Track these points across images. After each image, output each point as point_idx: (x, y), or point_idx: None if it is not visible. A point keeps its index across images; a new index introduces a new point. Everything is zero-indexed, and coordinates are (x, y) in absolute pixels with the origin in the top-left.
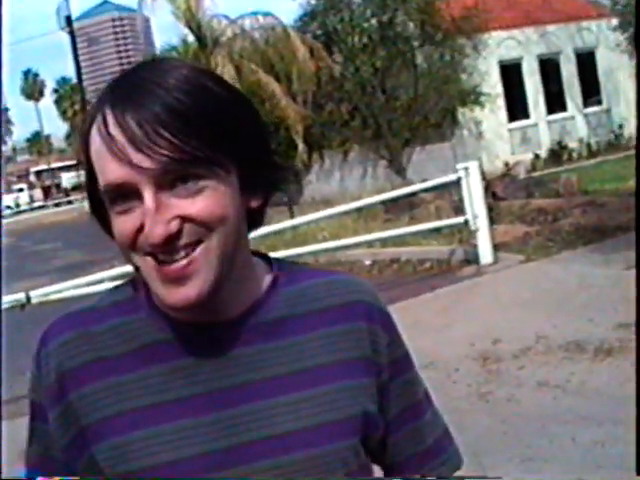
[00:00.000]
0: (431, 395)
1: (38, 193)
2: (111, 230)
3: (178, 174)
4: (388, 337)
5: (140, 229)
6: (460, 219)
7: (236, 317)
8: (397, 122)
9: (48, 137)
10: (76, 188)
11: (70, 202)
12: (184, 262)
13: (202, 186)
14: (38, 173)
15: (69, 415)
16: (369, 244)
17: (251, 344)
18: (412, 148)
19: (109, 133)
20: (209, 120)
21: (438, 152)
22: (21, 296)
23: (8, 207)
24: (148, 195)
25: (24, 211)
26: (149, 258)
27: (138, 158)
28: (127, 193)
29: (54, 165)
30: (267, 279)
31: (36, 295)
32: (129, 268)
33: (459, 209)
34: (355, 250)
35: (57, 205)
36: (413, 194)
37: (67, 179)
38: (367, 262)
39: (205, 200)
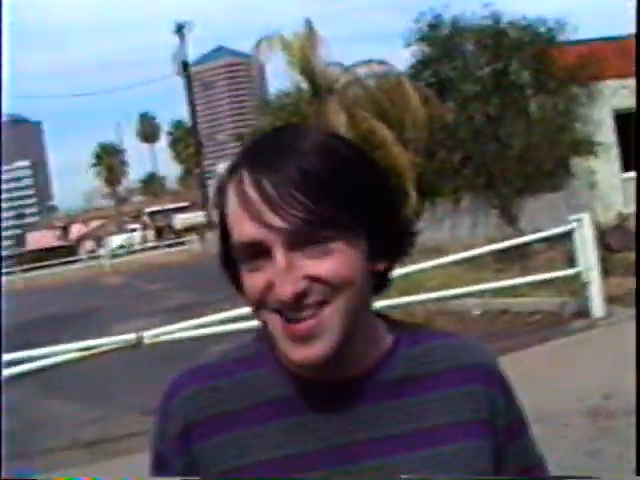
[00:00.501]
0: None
1: (151, 234)
2: (239, 285)
3: (309, 235)
4: (505, 401)
5: (269, 286)
6: (572, 271)
7: (358, 375)
8: (509, 171)
9: (162, 179)
10: (188, 229)
11: (182, 243)
12: (312, 322)
13: (331, 248)
14: (151, 214)
15: (193, 467)
16: (479, 294)
17: (372, 402)
18: (524, 198)
19: (245, 193)
20: (341, 184)
21: (551, 202)
22: (132, 336)
23: (122, 246)
24: (279, 254)
25: (136, 251)
26: (276, 315)
27: (272, 218)
28: (259, 252)
29: (167, 206)
30: (388, 339)
31: (148, 336)
32: (239, 311)
33: (571, 260)
34: (465, 300)
35: (169, 246)
36: (525, 244)
37: (179, 220)
38: (477, 312)
39: (333, 262)
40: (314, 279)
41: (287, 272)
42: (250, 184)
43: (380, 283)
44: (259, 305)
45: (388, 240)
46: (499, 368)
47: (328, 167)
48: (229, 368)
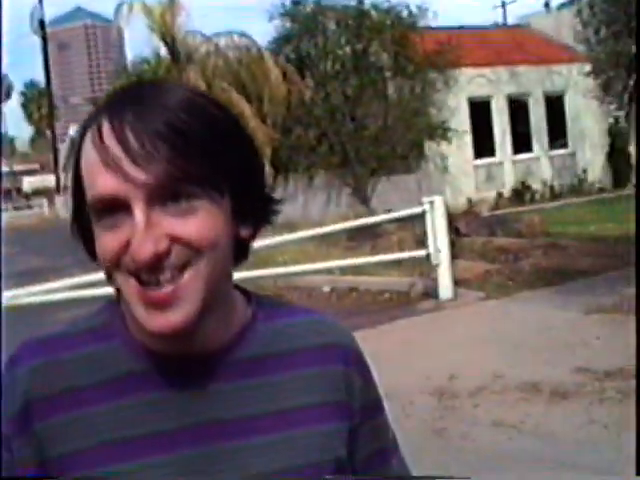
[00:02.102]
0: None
1: None
2: (92, 250)
3: (172, 190)
4: (362, 381)
5: (126, 246)
6: (422, 252)
7: (213, 352)
8: (364, 151)
9: (12, 139)
10: (37, 193)
11: (30, 207)
12: (170, 287)
13: (195, 206)
14: None
15: (34, 446)
16: (329, 271)
17: (227, 381)
18: (377, 178)
19: (104, 144)
20: (208, 141)
21: (403, 183)
22: None
23: None
24: (138, 210)
25: None
26: (132, 279)
27: (132, 170)
28: (116, 208)
29: (16, 168)
30: (246, 313)
31: None
32: (89, 277)
33: (421, 242)
34: (315, 276)
35: (17, 209)
36: (377, 224)
37: (29, 183)
38: (326, 289)
39: (197, 221)
40: (175, 239)
41: (147, 230)
42: (109, 134)
43: (240, 252)
44: (113, 268)
45: (253, 204)
46: (358, 347)
47: (194, 121)
48: (77, 339)
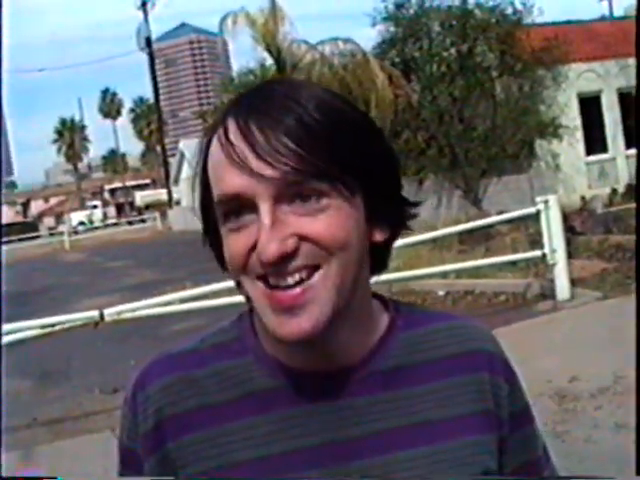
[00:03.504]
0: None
1: (111, 210)
2: (222, 259)
3: (299, 188)
4: (509, 388)
5: (253, 248)
6: (538, 253)
7: (352, 365)
8: (474, 152)
9: (123, 156)
10: (149, 207)
11: (143, 220)
12: (299, 290)
13: (325, 205)
14: (112, 191)
15: (167, 465)
16: (443, 275)
17: (367, 394)
18: (488, 179)
19: (229, 140)
20: (337, 137)
21: (515, 184)
22: (94, 314)
23: (82, 223)
24: (264, 208)
25: (97, 228)
26: (260, 283)
27: (258, 165)
28: (243, 207)
29: (128, 183)
30: (384, 322)
31: (109, 313)
32: (201, 290)
33: (535, 242)
34: (429, 280)
35: (130, 223)
36: (490, 226)
37: (141, 197)
38: (441, 293)
39: (327, 220)
40: (303, 238)
41: (273, 228)
42: (236, 131)
43: (378, 258)
44: (241, 272)
45: (387, 205)
46: (502, 352)
47: (323, 117)
48: (207, 356)
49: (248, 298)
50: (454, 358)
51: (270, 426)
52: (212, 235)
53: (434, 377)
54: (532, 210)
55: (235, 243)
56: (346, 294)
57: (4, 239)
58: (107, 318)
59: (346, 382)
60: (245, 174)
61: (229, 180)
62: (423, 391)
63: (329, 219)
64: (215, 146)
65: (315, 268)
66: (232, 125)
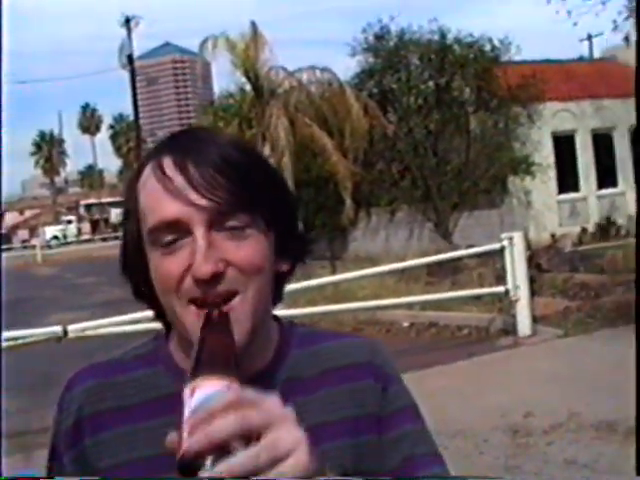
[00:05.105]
0: (443, 457)
1: (86, 226)
2: (138, 288)
3: (228, 217)
4: (390, 392)
5: (187, 269)
6: (501, 288)
7: (250, 377)
8: (447, 186)
9: (101, 172)
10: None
11: (117, 237)
12: (225, 308)
13: (248, 234)
14: (88, 206)
15: (83, 459)
16: (409, 306)
17: None
18: (460, 213)
19: (166, 175)
20: (255, 176)
21: (486, 219)
22: (58, 329)
23: (55, 237)
24: (200, 233)
25: (71, 243)
26: (192, 306)
27: (194, 197)
28: (177, 233)
29: (104, 200)
30: (279, 340)
31: (74, 329)
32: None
33: (501, 278)
34: (395, 311)
35: (104, 240)
36: (457, 259)
37: (116, 215)
38: (405, 324)
39: (249, 247)
40: (229, 263)
41: (208, 250)
42: (172, 166)
43: (277, 290)
44: (173, 293)
45: (292, 240)
46: (388, 362)
47: (245, 160)
48: (127, 365)
49: (167, 326)
50: (340, 370)
51: (172, 427)
52: (132, 263)
53: (320, 387)
54: (497, 246)
55: (169, 265)
56: (260, 315)
57: None
58: (71, 334)
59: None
60: (182, 203)
61: (167, 208)
62: (310, 400)
63: (250, 247)
64: (150, 179)
65: (235, 293)
66: (168, 161)
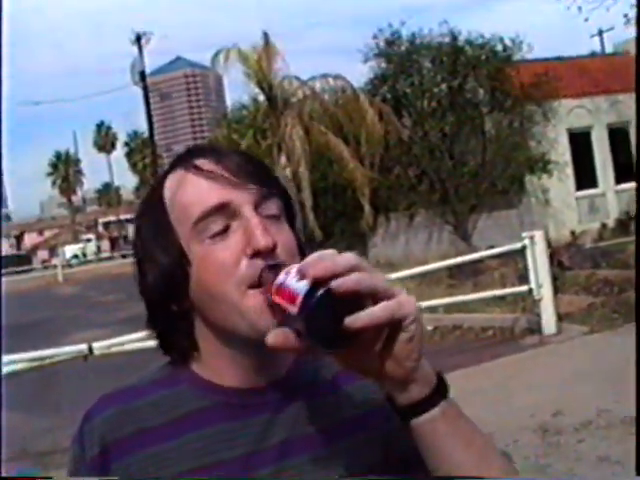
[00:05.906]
0: None
1: (105, 244)
2: (165, 308)
3: (268, 202)
4: None
5: (242, 250)
6: (524, 288)
7: (273, 382)
8: (464, 188)
9: (118, 189)
10: None
11: None
12: None
13: (282, 220)
14: (106, 224)
15: None
16: (432, 309)
17: (286, 408)
18: (478, 214)
19: (204, 169)
20: (274, 175)
21: (505, 219)
22: (84, 347)
23: (75, 256)
24: (249, 211)
25: (91, 261)
26: (251, 291)
27: (237, 182)
28: (224, 218)
29: (122, 217)
30: None
31: (99, 347)
32: None
33: (524, 277)
34: None
35: (124, 257)
36: (478, 261)
37: None
38: (429, 328)
39: (288, 233)
40: (274, 245)
41: (262, 224)
42: (207, 163)
43: None
44: (227, 281)
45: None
46: None
47: (259, 163)
48: (144, 390)
49: (186, 348)
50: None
51: (201, 441)
52: (162, 279)
53: (336, 387)
54: (518, 246)
55: (222, 252)
56: None
57: None
58: (96, 352)
59: (268, 398)
60: (228, 188)
61: (212, 195)
62: (330, 400)
63: (288, 233)
64: (184, 180)
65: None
66: (202, 162)
